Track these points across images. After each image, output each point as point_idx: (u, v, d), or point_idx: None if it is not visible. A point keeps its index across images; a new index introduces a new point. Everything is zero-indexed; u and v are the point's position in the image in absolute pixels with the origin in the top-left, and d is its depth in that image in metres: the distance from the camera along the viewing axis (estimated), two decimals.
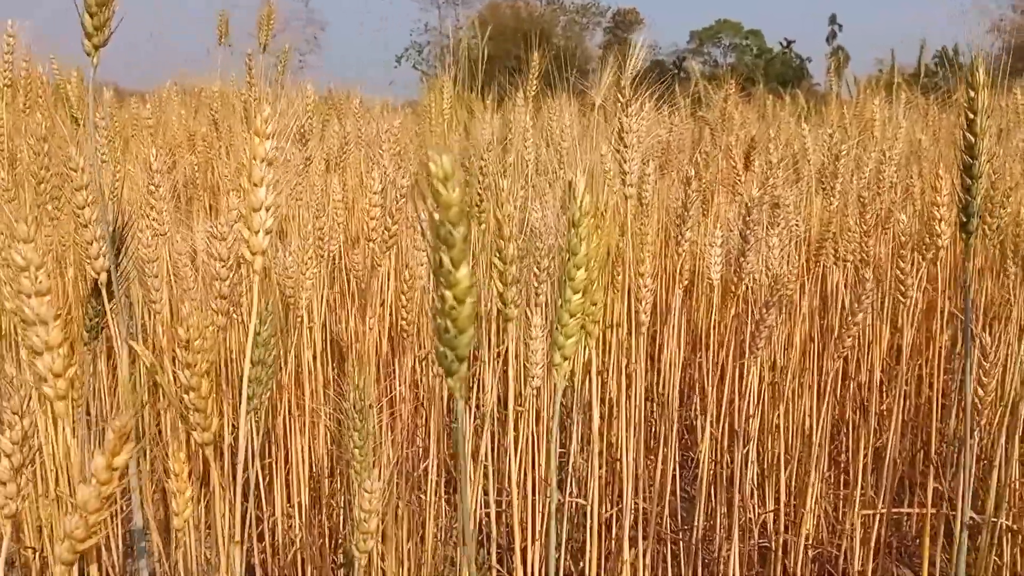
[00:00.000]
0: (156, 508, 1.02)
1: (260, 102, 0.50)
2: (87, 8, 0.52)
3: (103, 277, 0.63)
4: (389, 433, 1.06)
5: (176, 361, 0.51)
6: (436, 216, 0.34)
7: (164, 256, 1.01)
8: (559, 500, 1.10)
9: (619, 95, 0.86)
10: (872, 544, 1.09)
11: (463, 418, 0.39)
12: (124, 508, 0.93)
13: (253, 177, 0.50)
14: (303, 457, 1.07)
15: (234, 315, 0.93)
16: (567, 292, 0.46)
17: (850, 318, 0.89)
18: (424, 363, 1.19)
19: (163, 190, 0.96)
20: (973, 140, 0.55)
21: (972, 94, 0.54)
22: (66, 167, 0.67)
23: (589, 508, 0.90)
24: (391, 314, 1.17)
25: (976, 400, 0.72)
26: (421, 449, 1.21)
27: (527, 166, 1.34)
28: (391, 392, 1.15)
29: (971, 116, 0.55)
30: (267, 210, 0.51)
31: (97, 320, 0.70)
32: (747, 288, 1.00)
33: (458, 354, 0.36)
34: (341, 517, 1.10)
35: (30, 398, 0.47)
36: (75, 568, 0.41)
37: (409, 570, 0.95)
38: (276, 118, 0.51)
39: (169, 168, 1.64)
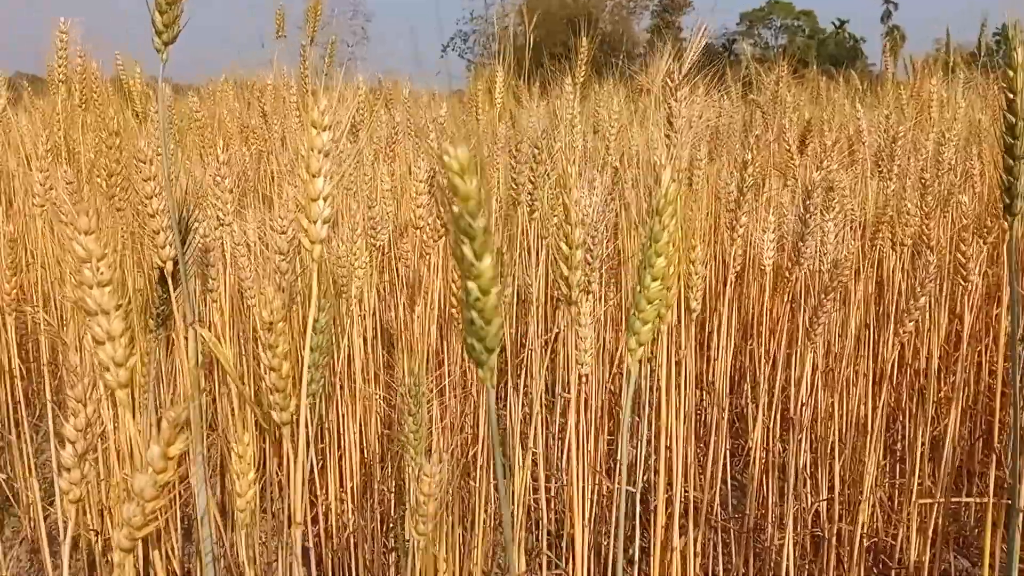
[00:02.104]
0: (212, 491, 1.04)
1: (317, 94, 0.51)
2: (157, 6, 0.53)
3: (169, 266, 0.65)
4: (440, 420, 1.07)
5: (259, 343, 0.52)
6: (455, 208, 0.34)
7: (225, 246, 1.03)
8: (609, 488, 1.10)
9: (668, 79, 0.85)
10: (929, 534, 1.07)
11: (493, 408, 0.39)
12: (182, 493, 0.95)
13: (311, 168, 0.51)
14: (355, 443, 1.08)
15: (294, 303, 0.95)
16: (647, 279, 0.46)
17: (912, 303, 0.87)
18: None
19: (228, 181, 0.98)
20: (1014, 120, 0.54)
21: (1012, 73, 0.53)
22: (136, 159, 0.69)
23: (653, 496, 0.89)
24: (440, 302, 1.18)
25: None
26: (470, 436, 1.22)
27: (575, 152, 1.34)
28: (441, 380, 1.16)
29: (1011, 96, 0.54)
30: (324, 200, 0.52)
31: (164, 308, 0.72)
32: (802, 274, 0.98)
33: (487, 345, 0.36)
34: (392, 502, 1.12)
35: (94, 386, 0.48)
36: (138, 552, 0.42)
37: (460, 555, 0.96)
38: (333, 110, 0.52)
39: (231, 160, 1.67)
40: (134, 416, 0.53)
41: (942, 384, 1.31)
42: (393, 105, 1.91)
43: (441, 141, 1.43)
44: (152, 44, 0.52)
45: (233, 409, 0.73)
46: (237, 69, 2.21)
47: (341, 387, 1.10)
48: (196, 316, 0.59)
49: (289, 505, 0.55)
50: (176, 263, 0.61)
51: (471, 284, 0.35)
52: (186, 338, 0.63)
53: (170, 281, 0.61)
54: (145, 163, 0.64)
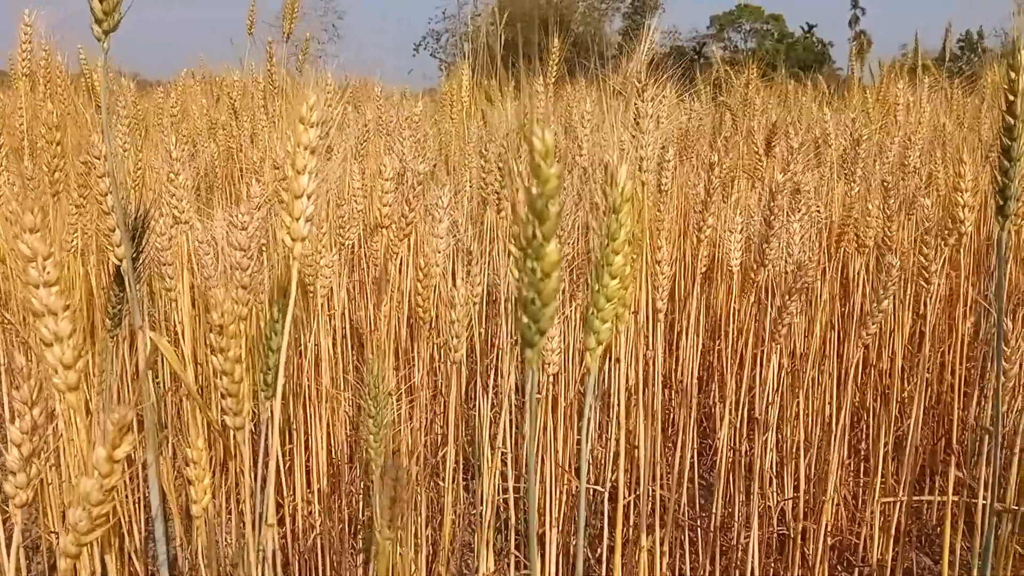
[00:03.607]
0: (179, 494, 1.03)
1: (301, 90, 0.51)
2: None
3: (124, 265, 0.63)
4: (408, 420, 1.07)
5: (208, 346, 0.51)
6: (534, 190, 0.35)
7: (184, 244, 1.02)
8: (577, 488, 1.10)
9: (636, 80, 0.86)
10: (892, 532, 1.09)
11: (533, 393, 0.39)
12: (148, 494, 0.94)
13: (297, 164, 0.51)
14: (323, 444, 1.07)
15: (254, 303, 0.94)
16: (605, 277, 0.47)
17: (875, 305, 0.88)
18: (441, 351, 1.20)
19: (183, 178, 0.96)
20: (1013, 122, 0.54)
21: (1013, 75, 0.53)
22: (89, 155, 0.68)
23: (614, 495, 0.90)
24: (410, 302, 1.18)
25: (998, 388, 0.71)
26: (439, 436, 1.21)
27: None
28: (410, 379, 1.15)
29: (1011, 98, 0.54)
30: (309, 197, 0.51)
31: (120, 307, 0.71)
32: (768, 275, 0.99)
33: (540, 327, 0.38)
34: (360, 503, 1.11)
35: (40, 388, 0.47)
36: (91, 555, 0.42)
37: (428, 556, 0.95)
38: (321, 107, 0.51)
39: (191, 156, 1.65)
40: (88, 419, 0.51)
41: (906, 384, 1.33)
42: (364, 103, 1.90)
43: (414, 140, 1.42)
44: (92, 33, 0.50)
45: (195, 411, 0.72)
46: (207, 65, 2.18)
47: (308, 387, 1.09)
48: (145, 319, 0.58)
49: (254, 507, 0.55)
50: (130, 262, 0.60)
51: (536, 265, 0.36)
52: (148, 340, 0.62)
53: (127, 280, 0.60)
54: (99, 159, 0.63)
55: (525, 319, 0.37)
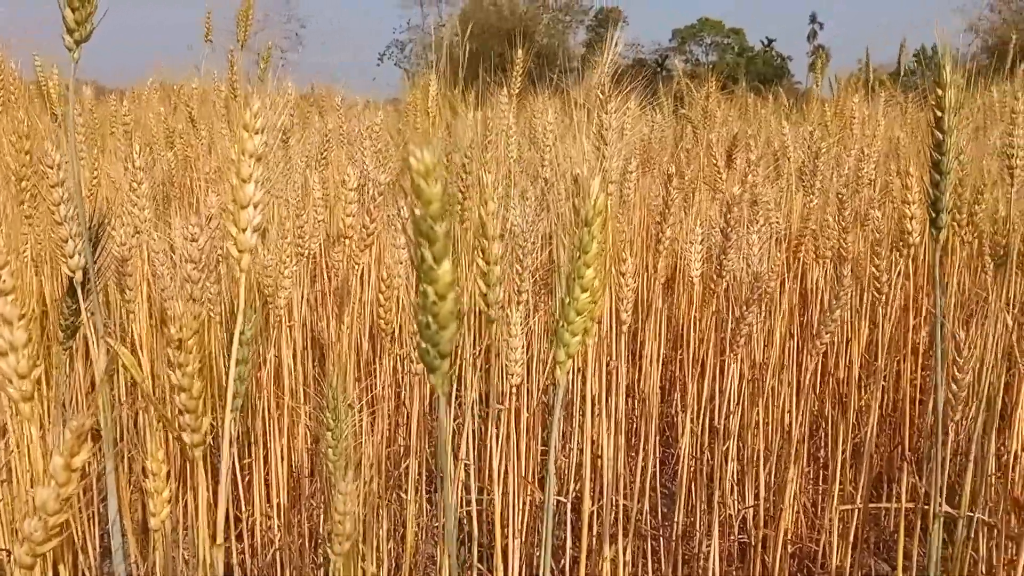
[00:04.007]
0: (134, 509, 1.01)
1: (249, 97, 0.50)
2: (68, 3, 0.51)
3: (78, 275, 0.62)
4: (370, 432, 1.06)
5: (166, 360, 0.50)
6: (417, 211, 0.34)
7: (142, 255, 1.00)
8: (542, 499, 1.10)
9: (600, 92, 0.86)
10: (850, 539, 1.10)
11: (445, 415, 0.39)
12: (102, 509, 0.92)
13: (242, 173, 0.50)
14: (283, 457, 1.06)
15: (212, 314, 0.93)
16: (576, 290, 0.46)
17: (828, 315, 0.89)
18: (405, 361, 1.19)
19: (144, 187, 0.95)
20: (941, 137, 0.56)
21: (940, 92, 0.55)
22: (42, 164, 0.66)
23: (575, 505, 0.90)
24: (372, 312, 1.17)
25: (951, 396, 0.73)
26: (402, 448, 1.20)
27: (509, 164, 1.34)
28: (372, 391, 1.14)
29: (939, 113, 0.55)
30: (255, 207, 0.50)
31: (73, 319, 0.69)
32: (727, 285, 1.00)
33: (440, 350, 0.36)
34: (321, 517, 1.09)
35: None
36: (41, 570, 0.41)
37: (389, 569, 0.94)
38: (266, 113, 0.50)
39: (150, 166, 1.63)
40: (42, 430, 0.50)
41: (863, 393, 1.35)
42: (326, 112, 1.89)
43: (374, 150, 1.42)
44: (63, 43, 0.50)
45: (154, 423, 0.71)
46: (165, 73, 2.15)
47: (268, 400, 1.07)
48: (104, 329, 0.57)
49: (209, 525, 0.54)
50: (86, 273, 0.59)
51: (429, 288, 0.35)
52: (107, 351, 0.61)
53: (79, 291, 0.59)
54: (53, 168, 0.62)
55: (424, 344, 0.36)
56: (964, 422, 0.85)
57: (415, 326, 0.36)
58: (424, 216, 0.33)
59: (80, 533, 0.92)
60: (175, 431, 0.51)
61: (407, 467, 1.05)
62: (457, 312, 0.36)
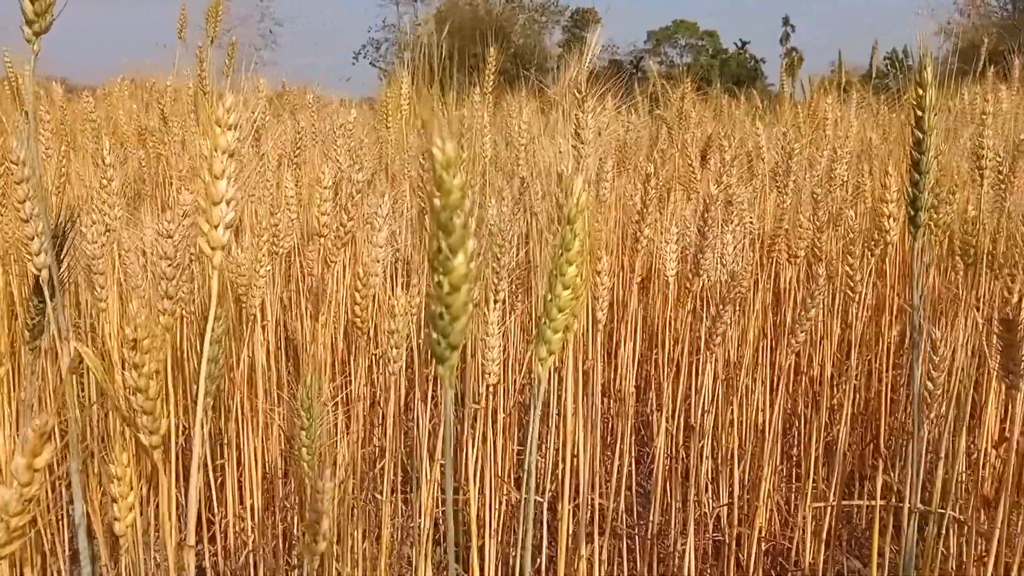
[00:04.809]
0: (104, 512, 0.99)
1: (222, 93, 0.49)
2: None
3: (44, 274, 0.61)
4: (345, 433, 1.05)
5: (124, 362, 0.49)
6: (437, 202, 0.34)
7: (112, 253, 0.98)
8: (518, 498, 1.10)
9: (576, 92, 0.86)
10: (823, 536, 1.11)
11: (451, 408, 0.38)
12: (71, 512, 0.90)
13: (214, 169, 0.49)
14: (256, 458, 1.05)
15: (184, 313, 0.91)
16: (558, 287, 0.46)
17: (802, 314, 0.90)
18: (379, 362, 1.18)
19: (115, 184, 0.93)
20: (921, 136, 0.56)
21: (920, 92, 0.55)
22: (7, 160, 0.65)
23: (561, 504, 0.90)
24: (347, 312, 1.16)
25: (926, 394, 0.74)
26: (377, 448, 1.20)
27: (484, 163, 1.34)
28: (347, 391, 1.13)
29: (919, 113, 0.56)
30: (228, 204, 0.50)
31: (39, 318, 0.68)
32: (703, 285, 1.01)
33: (451, 341, 0.36)
34: (295, 519, 1.08)
35: None
36: (9, 573, 0.40)
37: (365, 570, 0.94)
38: (239, 109, 0.49)
39: (122, 163, 1.60)
40: (5, 431, 0.49)
41: (835, 391, 1.37)
42: (299, 110, 1.87)
43: (347, 148, 1.41)
44: (22, 34, 0.48)
45: (120, 425, 0.70)
46: (137, 70, 2.12)
47: (241, 400, 1.06)
48: (69, 330, 0.55)
49: (177, 528, 0.53)
50: (51, 272, 0.58)
51: (444, 279, 0.35)
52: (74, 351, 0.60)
53: (46, 291, 0.57)
54: (17, 164, 0.61)
55: (435, 334, 0.36)
56: (936, 419, 0.86)
57: (426, 316, 0.36)
58: (444, 206, 0.34)
59: (49, 535, 0.90)
60: (135, 432, 0.50)
61: (383, 467, 1.04)
62: (469, 305, 0.36)
